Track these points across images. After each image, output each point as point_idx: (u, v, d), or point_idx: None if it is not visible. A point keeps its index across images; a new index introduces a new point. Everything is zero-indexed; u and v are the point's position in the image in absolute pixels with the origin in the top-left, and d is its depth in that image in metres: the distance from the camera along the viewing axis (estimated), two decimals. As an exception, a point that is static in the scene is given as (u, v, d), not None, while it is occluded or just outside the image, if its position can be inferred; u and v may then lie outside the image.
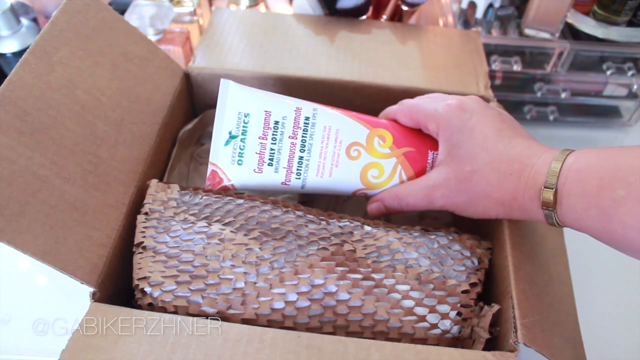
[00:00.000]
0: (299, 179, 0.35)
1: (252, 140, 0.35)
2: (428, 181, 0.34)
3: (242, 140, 0.34)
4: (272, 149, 0.34)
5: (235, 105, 0.35)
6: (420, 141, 0.36)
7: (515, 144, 0.31)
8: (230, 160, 0.35)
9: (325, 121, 0.35)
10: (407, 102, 0.37)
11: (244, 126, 0.34)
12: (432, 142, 0.36)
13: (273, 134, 0.34)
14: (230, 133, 0.34)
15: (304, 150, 0.34)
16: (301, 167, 0.35)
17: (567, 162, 0.28)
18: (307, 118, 0.35)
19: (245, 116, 0.34)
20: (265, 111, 0.34)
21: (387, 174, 0.36)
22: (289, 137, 0.34)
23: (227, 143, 0.34)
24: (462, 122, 0.33)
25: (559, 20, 0.55)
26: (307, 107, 0.35)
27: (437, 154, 0.35)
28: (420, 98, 0.37)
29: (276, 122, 0.34)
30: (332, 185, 0.36)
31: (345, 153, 0.35)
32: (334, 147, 0.35)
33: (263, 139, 0.34)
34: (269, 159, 0.34)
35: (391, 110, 0.38)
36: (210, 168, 0.35)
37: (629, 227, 0.25)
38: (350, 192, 0.37)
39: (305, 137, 0.35)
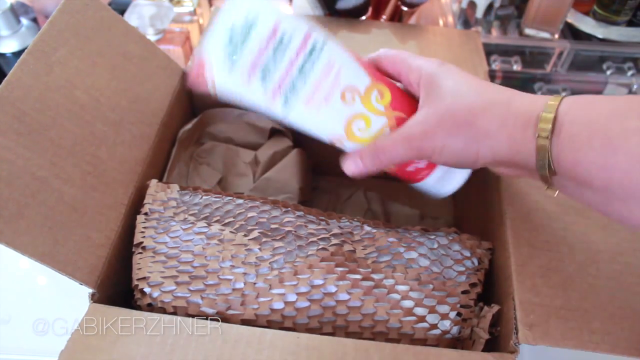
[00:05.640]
0: (286, 104, 0.33)
1: (252, 47, 0.32)
2: (406, 127, 0.32)
3: (243, 43, 0.32)
4: (268, 63, 0.32)
5: (246, 6, 0.32)
6: (414, 112, 0.34)
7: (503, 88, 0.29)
8: (224, 58, 0.32)
9: (332, 55, 0.33)
10: (390, 51, 0.35)
11: (249, 30, 0.32)
12: None
13: (276, 48, 0.32)
14: (232, 31, 0.32)
15: (302, 74, 0.32)
16: (292, 91, 0.33)
17: (571, 97, 0.26)
18: (315, 45, 0.33)
19: (254, 20, 0.32)
20: (275, 22, 0.32)
21: (373, 131, 0.34)
22: (289, 58, 0.32)
23: (226, 40, 0.32)
24: (445, 69, 0.31)
25: (559, 20, 0.55)
26: (319, 36, 0.33)
27: None
28: (403, 51, 0.35)
29: (282, 38, 0.32)
30: (315, 122, 0.34)
31: (340, 93, 0.33)
32: (331, 84, 0.33)
33: (264, 49, 0.32)
34: (262, 72, 0.32)
35: (374, 55, 0.35)
36: (198, 57, 0.32)
37: (635, 160, 0.22)
38: (328, 139, 0.35)
39: (307, 63, 0.32)
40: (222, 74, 0.32)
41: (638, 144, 0.23)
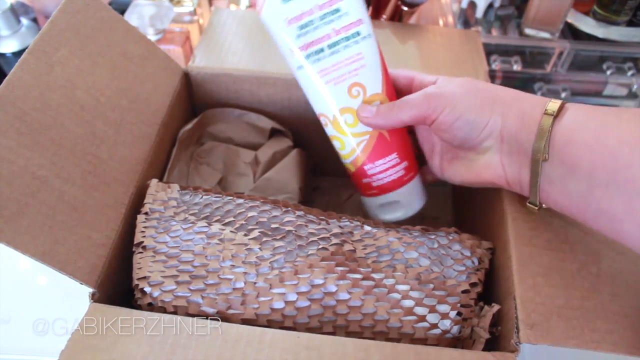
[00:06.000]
0: (305, 60, 0.35)
1: (310, 0, 0.34)
2: (425, 89, 0.33)
3: None
4: (312, 21, 0.34)
5: None
6: (399, 140, 0.37)
7: None
8: None
9: (365, 51, 0.35)
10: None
11: None
12: (404, 151, 0.37)
13: (326, 14, 0.34)
14: None
15: (331, 48, 0.34)
16: (316, 55, 0.34)
17: None
18: (358, 32, 0.34)
19: None
20: None
21: (355, 131, 0.36)
22: (332, 29, 0.34)
23: None
24: None
25: (559, 20, 0.55)
26: (367, 28, 0.35)
27: (395, 159, 0.36)
28: None
29: (338, 10, 0.34)
30: (316, 92, 0.35)
31: (349, 84, 0.35)
32: (348, 72, 0.35)
33: (317, 8, 0.34)
34: (305, 24, 0.34)
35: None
36: None
37: (623, 142, 0.25)
38: (317, 112, 0.37)
39: (341, 42, 0.34)
40: (274, 4, 0.34)
41: (628, 129, 0.25)
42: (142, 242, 0.32)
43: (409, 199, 0.38)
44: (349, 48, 0.34)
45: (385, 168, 0.37)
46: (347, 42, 0.34)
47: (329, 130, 0.37)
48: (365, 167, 0.37)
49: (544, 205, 0.31)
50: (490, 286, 0.34)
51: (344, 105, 0.35)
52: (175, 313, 0.30)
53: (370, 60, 0.35)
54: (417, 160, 0.39)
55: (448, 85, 0.32)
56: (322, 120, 0.37)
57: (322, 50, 0.34)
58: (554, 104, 0.29)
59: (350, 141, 0.36)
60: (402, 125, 0.34)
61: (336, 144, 0.37)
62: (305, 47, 0.34)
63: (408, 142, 0.38)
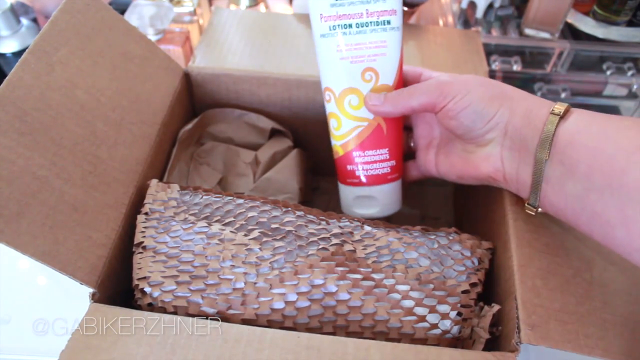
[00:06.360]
0: (329, 30, 0.35)
1: None
2: (435, 78, 0.34)
3: None
4: None
5: None
6: (394, 137, 0.37)
7: None
8: None
9: (389, 41, 0.35)
10: None
11: None
12: (396, 150, 0.37)
13: None
14: None
15: (359, 27, 0.35)
16: (343, 29, 0.35)
17: None
18: (389, 21, 0.35)
19: None
20: None
21: (356, 114, 0.36)
22: (366, 10, 0.35)
23: None
24: None
25: (559, 20, 0.55)
26: (397, 21, 0.35)
27: (385, 155, 0.37)
28: None
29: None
30: (330, 65, 0.36)
31: (364, 67, 0.35)
32: (367, 55, 0.35)
33: None
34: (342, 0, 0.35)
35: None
36: None
37: (621, 148, 0.25)
38: (324, 86, 0.37)
39: (370, 25, 0.35)
40: None
41: (627, 136, 0.26)
42: (142, 242, 0.32)
43: (387, 199, 0.39)
44: (375, 32, 0.35)
45: (374, 160, 0.37)
46: (375, 27, 0.35)
47: (330, 106, 0.37)
48: (354, 154, 0.37)
49: (540, 209, 0.31)
50: (490, 286, 0.34)
51: (353, 86, 0.36)
52: (175, 313, 0.30)
53: (391, 51, 0.35)
54: (403, 164, 0.39)
55: (460, 76, 0.33)
56: (327, 94, 0.37)
57: (350, 25, 0.35)
58: (560, 106, 0.29)
59: (348, 123, 0.36)
60: (411, 112, 0.35)
61: (333, 122, 0.38)
62: (335, 18, 0.35)
63: (401, 143, 0.38)
